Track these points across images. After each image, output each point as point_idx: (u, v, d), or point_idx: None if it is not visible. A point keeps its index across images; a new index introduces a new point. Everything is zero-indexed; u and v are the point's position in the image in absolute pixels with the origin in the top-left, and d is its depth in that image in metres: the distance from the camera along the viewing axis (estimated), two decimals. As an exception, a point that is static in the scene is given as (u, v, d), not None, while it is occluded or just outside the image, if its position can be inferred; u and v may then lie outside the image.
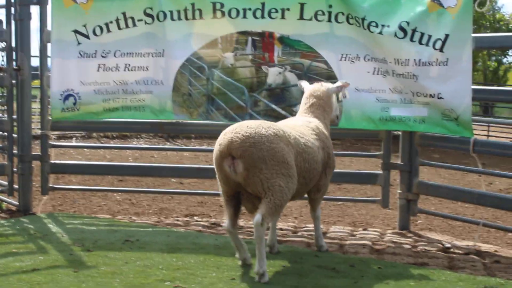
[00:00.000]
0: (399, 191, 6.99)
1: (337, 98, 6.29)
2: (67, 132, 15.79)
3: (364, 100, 6.69)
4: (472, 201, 6.64)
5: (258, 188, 4.84)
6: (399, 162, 6.95)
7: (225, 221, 5.14)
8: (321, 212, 8.20)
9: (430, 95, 6.38)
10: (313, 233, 6.69)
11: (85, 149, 13.86)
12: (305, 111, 5.92)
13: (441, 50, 6.27)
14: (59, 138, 15.36)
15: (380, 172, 7.05)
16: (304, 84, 6.19)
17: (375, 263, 5.53)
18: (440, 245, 6.39)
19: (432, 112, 6.44)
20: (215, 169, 5.00)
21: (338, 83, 6.13)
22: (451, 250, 6.23)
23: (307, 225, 7.26)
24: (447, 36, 6.23)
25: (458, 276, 5.19)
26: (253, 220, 4.88)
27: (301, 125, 5.58)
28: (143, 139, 16.78)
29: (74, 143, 15.48)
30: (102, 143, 16.06)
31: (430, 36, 6.30)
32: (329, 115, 6.03)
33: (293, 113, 6.85)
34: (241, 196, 5.09)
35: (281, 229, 6.91)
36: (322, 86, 6.02)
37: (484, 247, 6.44)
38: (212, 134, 6.98)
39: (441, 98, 6.32)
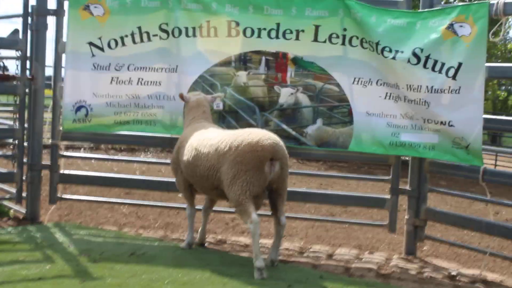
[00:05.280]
0: (406, 216, 6.98)
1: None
2: (75, 143, 15.78)
3: (375, 124, 6.72)
4: (480, 230, 6.62)
5: (284, 184, 5.79)
6: (407, 187, 6.95)
7: (254, 215, 5.48)
8: (327, 234, 8.26)
9: (441, 122, 6.38)
10: (319, 254, 6.73)
11: (93, 161, 13.86)
12: (201, 118, 6.61)
13: (454, 78, 6.28)
14: (67, 148, 15.35)
15: (388, 196, 7.05)
16: (188, 95, 6.79)
17: (381, 288, 5.50)
18: (446, 273, 6.37)
19: (442, 139, 6.44)
20: (248, 173, 5.52)
21: (215, 94, 6.86)
22: (457, 278, 6.22)
23: (313, 246, 7.27)
24: (460, 64, 6.24)
25: (464, 305, 5.17)
26: (281, 222, 5.80)
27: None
28: (150, 152, 16.78)
29: (82, 153, 15.49)
30: (109, 155, 16.05)
31: (443, 64, 6.32)
32: None
33: (303, 134, 6.88)
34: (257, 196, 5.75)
35: (287, 249, 6.93)
36: (200, 95, 6.75)
37: (490, 276, 6.42)
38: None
39: (452, 125, 6.33)
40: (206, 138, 6.04)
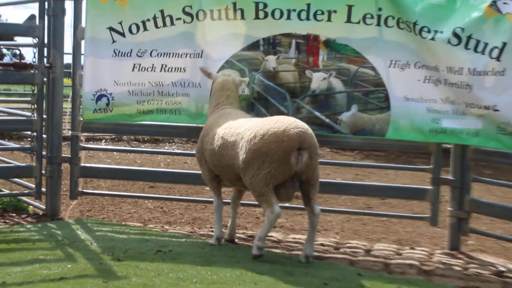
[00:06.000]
0: (449, 208, 6.70)
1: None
2: (96, 134, 15.69)
3: (414, 110, 6.46)
4: (529, 222, 6.31)
5: (315, 173, 5.59)
6: (450, 177, 6.66)
7: (276, 207, 5.45)
8: (364, 228, 7.95)
9: (485, 107, 6.10)
10: (356, 250, 6.49)
11: (115, 153, 13.80)
12: (225, 104, 6.43)
13: (498, 59, 5.98)
14: (88, 140, 15.34)
15: (430, 187, 6.76)
16: (216, 74, 6.64)
17: (424, 285, 5.28)
18: (494, 268, 6.08)
19: (486, 125, 6.15)
20: (273, 165, 5.40)
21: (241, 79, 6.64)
22: (506, 274, 5.92)
23: (349, 241, 7.03)
24: (504, 44, 5.94)
25: (515, 303, 4.87)
26: (315, 211, 5.59)
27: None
28: (175, 143, 16.64)
29: (103, 145, 15.42)
30: (132, 146, 15.95)
31: (486, 44, 6.03)
32: None
33: (337, 121, 6.64)
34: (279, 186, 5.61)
35: (322, 244, 6.68)
36: (229, 77, 6.53)
37: (542, 272, 6.10)
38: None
39: (496, 110, 6.04)
40: (234, 127, 5.86)
